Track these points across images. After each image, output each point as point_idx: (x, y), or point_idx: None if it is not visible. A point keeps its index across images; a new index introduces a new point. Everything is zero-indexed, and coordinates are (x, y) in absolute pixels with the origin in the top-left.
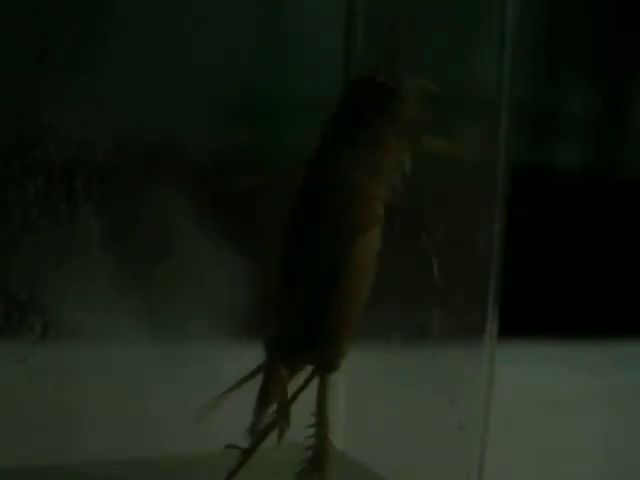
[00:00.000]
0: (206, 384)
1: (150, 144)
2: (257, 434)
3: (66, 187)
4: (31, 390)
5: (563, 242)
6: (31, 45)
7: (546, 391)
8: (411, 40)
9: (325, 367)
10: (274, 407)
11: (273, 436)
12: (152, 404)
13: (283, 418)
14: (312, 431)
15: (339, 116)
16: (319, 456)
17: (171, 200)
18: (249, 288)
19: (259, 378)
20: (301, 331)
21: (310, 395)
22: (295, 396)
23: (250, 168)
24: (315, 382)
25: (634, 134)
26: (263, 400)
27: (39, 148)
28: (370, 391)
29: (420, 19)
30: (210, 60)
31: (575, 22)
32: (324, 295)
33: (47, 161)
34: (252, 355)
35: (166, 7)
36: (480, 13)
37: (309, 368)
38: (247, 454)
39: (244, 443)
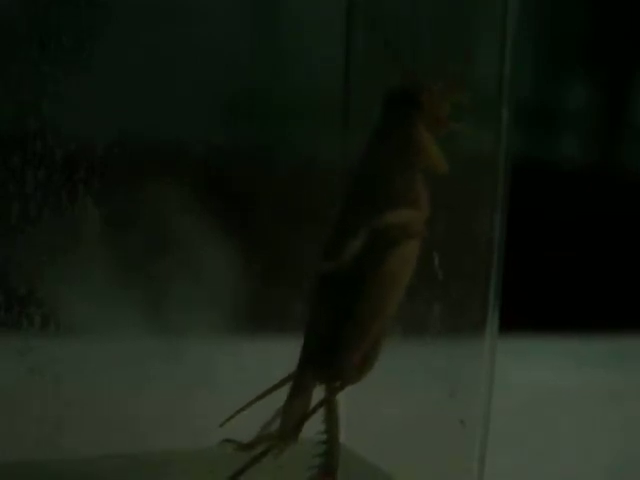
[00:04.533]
0: (205, 379)
1: (150, 139)
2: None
3: (66, 180)
4: (30, 383)
5: (564, 236)
6: (32, 37)
7: (547, 385)
8: (412, 37)
9: (338, 378)
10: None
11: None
12: (152, 398)
13: (292, 434)
14: (323, 437)
15: (375, 130)
16: (329, 462)
17: (171, 194)
18: (249, 284)
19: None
20: (325, 340)
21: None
22: (310, 414)
23: (250, 167)
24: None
25: (635, 130)
26: (290, 407)
27: (39, 140)
28: (371, 385)
29: (420, 15)
30: (210, 57)
31: (576, 18)
32: (348, 304)
33: (47, 154)
34: (252, 351)
35: (167, 4)
36: (481, 10)
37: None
38: (255, 459)
39: (242, 438)
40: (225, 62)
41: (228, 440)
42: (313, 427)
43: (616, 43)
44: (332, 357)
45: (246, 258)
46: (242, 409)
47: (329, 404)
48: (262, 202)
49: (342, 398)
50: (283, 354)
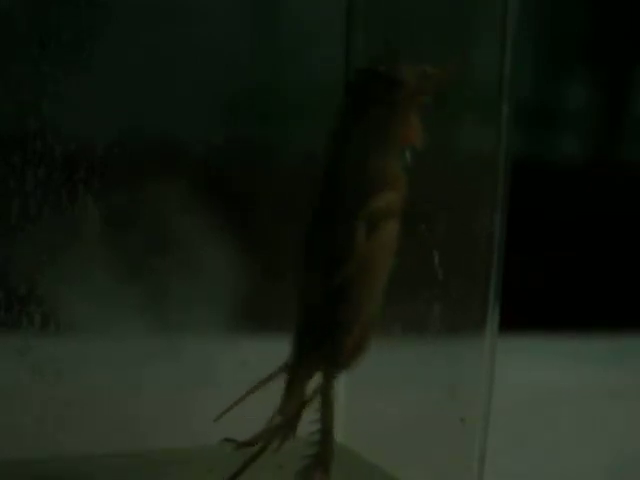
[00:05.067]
0: (206, 378)
1: (150, 138)
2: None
3: (66, 179)
4: (30, 383)
5: (564, 236)
6: (32, 37)
7: (547, 385)
8: (411, 37)
9: (332, 364)
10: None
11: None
12: (152, 397)
13: (291, 427)
14: (317, 427)
15: (345, 110)
16: (323, 452)
17: (171, 194)
18: (249, 283)
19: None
20: (313, 326)
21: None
22: (306, 403)
23: (250, 166)
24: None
25: (635, 129)
26: (287, 400)
27: (40, 140)
28: (371, 384)
29: (420, 15)
30: (211, 57)
31: (576, 18)
32: (335, 290)
33: (48, 153)
34: (252, 350)
35: (167, 3)
36: (481, 10)
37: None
38: (254, 457)
39: (241, 436)
40: (225, 62)
41: (227, 439)
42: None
43: (616, 43)
44: (324, 344)
45: (246, 257)
46: (235, 404)
47: (324, 392)
48: (262, 202)
49: (342, 398)
50: (284, 353)
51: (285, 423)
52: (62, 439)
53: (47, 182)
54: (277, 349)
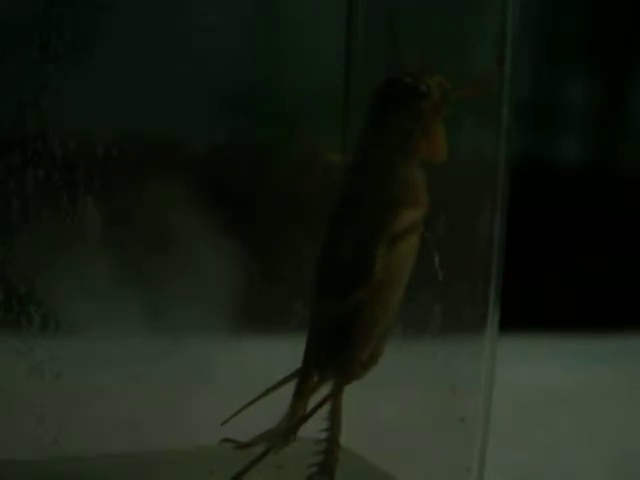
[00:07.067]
0: (206, 378)
1: (151, 137)
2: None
3: (66, 179)
4: (30, 383)
5: (563, 235)
6: (32, 37)
7: (547, 385)
8: (411, 37)
9: (344, 375)
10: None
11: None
12: (152, 397)
13: (293, 431)
14: (324, 435)
15: (369, 121)
16: (328, 461)
17: (171, 193)
18: (250, 283)
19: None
20: (327, 340)
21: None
22: (314, 411)
23: (250, 166)
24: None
25: (635, 130)
26: (295, 407)
27: (40, 140)
28: (370, 384)
29: (420, 15)
30: (211, 57)
31: (576, 17)
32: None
33: (48, 153)
34: (253, 350)
35: (168, 2)
36: (480, 9)
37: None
38: (259, 458)
39: (241, 438)
40: (225, 62)
41: (227, 439)
42: (314, 426)
43: (616, 43)
44: (339, 355)
45: (247, 257)
46: (244, 407)
47: (334, 401)
48: (262, 201)
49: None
50: (284, 353)
51: (288, 427)
52: (62, 439)
53: (47, 182)
54: (277, 350)
